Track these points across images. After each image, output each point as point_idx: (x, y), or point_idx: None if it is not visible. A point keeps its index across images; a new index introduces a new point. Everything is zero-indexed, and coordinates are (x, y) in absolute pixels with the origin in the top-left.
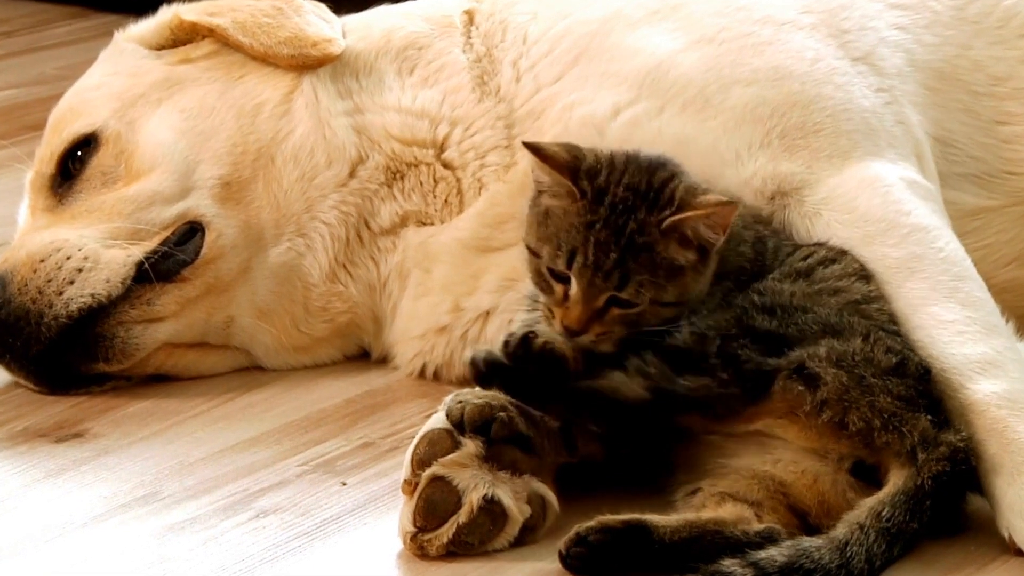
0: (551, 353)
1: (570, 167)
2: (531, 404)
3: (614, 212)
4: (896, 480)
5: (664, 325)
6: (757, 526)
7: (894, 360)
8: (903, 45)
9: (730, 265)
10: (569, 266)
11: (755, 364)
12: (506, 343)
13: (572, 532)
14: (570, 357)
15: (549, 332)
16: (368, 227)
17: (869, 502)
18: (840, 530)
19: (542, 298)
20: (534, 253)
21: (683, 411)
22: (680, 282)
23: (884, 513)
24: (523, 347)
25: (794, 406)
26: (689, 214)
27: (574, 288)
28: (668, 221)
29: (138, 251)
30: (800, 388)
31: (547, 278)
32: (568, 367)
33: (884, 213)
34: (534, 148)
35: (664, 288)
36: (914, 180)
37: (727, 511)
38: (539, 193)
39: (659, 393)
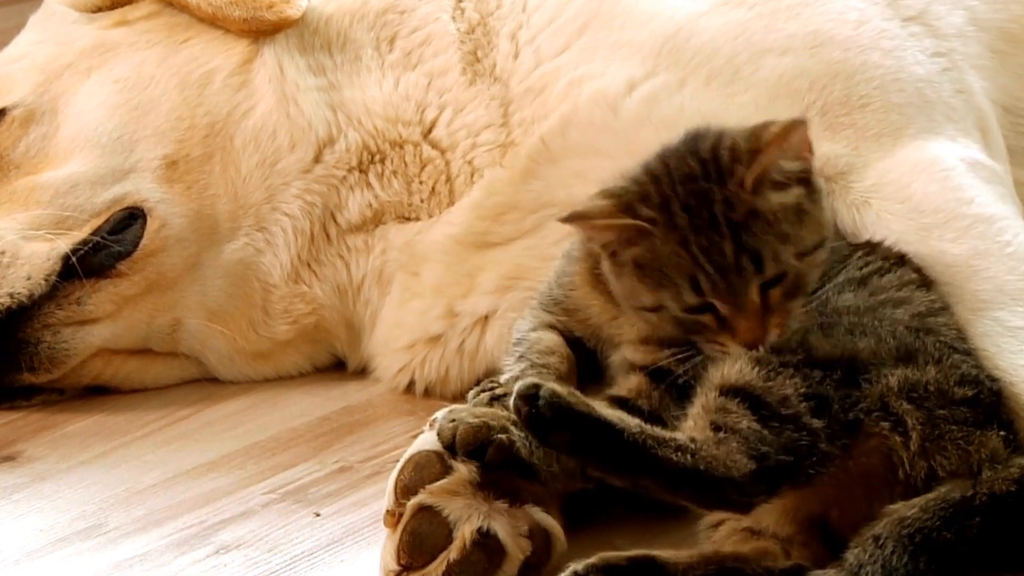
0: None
1: (621, 207)
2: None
3: (691, 213)
4: (941, 488)
5: (819, 272)
6: (783, 563)
7: (969, 393)
8: (963, 2)
9: None
10: (701, 294)
11: (842, 412)
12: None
13: (568, 570)
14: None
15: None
16: (335, 221)
17: (893, 507)
18: (852, 552)
19: (700, 341)
20: (656, 309)
21: (782, 481)
22: (807, 220)
23: (910, 516)
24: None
25: (884, 447)
26: (763, 159)
27: (724, 309)
28: (748, 181)
29: (63, 243)
30: (885, 424)
31: (689, 321)
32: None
33: (942, 202)
34: (577, 217)
35: (799, 236)
36: (976, 160)
37: (750, 547)
38: (613, 254)
39: (762, 458)
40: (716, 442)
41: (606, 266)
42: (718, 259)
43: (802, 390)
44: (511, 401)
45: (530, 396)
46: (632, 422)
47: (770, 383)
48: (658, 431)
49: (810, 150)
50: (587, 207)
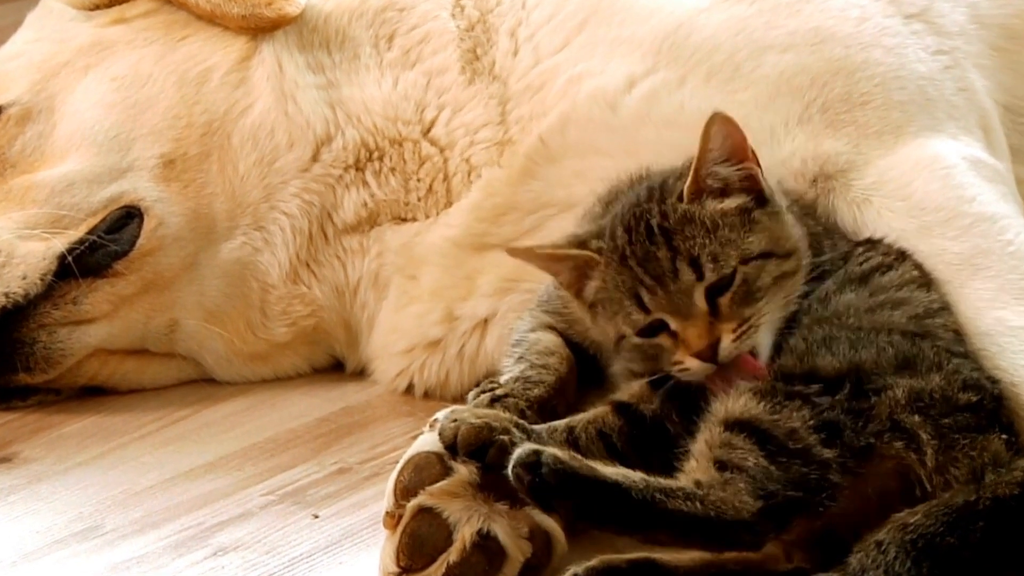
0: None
1: (575, 242)
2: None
3: (629, 230)
4: (944, 494)
5: (783, 288)
6: (785, 567)
7: (973, 399)
8: None
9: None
10: (648, 310)
11: (855, 436)
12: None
13: (568, 573)
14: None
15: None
16: (332, 221)
17: (897, 515)
18: (855, 556)
19: (663, 367)
20: (619, 340)
21: (791, 517)
22: (756, 229)
23: (913, 522)
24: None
25: (901, 467)
26: (695, 166)
27: (673, 322)
28: (683, 189)
29: (59, 242)
30: (898, 444)
31: (648, 347)
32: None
33: (943, 200)
34: (520, 251)
35: (742, 240)
36: (979, 159)
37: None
38: (579, 292)
39: (769, 497)
40: (722, 483)
41: (580, 310)
42: (655, 268)
43: (811, 422)
44: (509, 470)
45: (531, 464)
46: (636, 477)
47: (776, 416)
48: (663, 481)
49: (746, 154)
50: (543, 245)
